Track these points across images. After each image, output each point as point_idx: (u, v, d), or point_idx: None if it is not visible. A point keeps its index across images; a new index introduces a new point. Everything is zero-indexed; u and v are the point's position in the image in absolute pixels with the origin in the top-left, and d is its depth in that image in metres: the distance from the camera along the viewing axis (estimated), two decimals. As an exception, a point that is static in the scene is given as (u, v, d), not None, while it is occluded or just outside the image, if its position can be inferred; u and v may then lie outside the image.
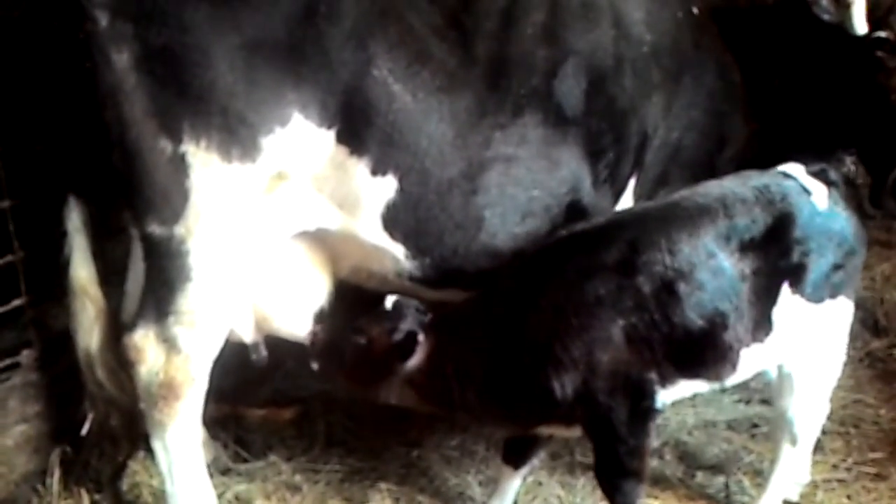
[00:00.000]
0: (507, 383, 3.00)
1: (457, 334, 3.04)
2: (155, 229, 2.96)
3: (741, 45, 3.74)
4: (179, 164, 2.88)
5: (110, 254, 3.27)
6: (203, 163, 2.89)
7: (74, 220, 3.18)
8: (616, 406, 2.91)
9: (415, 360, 2.99)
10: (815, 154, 3.45)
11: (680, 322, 2.89)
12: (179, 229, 2.95)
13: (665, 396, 3.01)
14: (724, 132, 3.74)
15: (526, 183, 3.22)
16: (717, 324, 2.93)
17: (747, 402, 4.31)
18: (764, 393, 4.21)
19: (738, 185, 3.12)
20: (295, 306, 3.34)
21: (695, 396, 3.46)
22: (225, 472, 3.76)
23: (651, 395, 2.95)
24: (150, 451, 3.30)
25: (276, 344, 3.43)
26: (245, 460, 3.86)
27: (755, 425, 4.14)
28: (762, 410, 4.20)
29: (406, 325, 3.00)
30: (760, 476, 3.71)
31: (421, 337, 2.97)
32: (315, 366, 3.20)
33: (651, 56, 3.48)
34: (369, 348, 3.02)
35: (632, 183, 3.60)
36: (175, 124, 2.84)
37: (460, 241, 3.22)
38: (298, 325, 3.35)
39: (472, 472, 3.81)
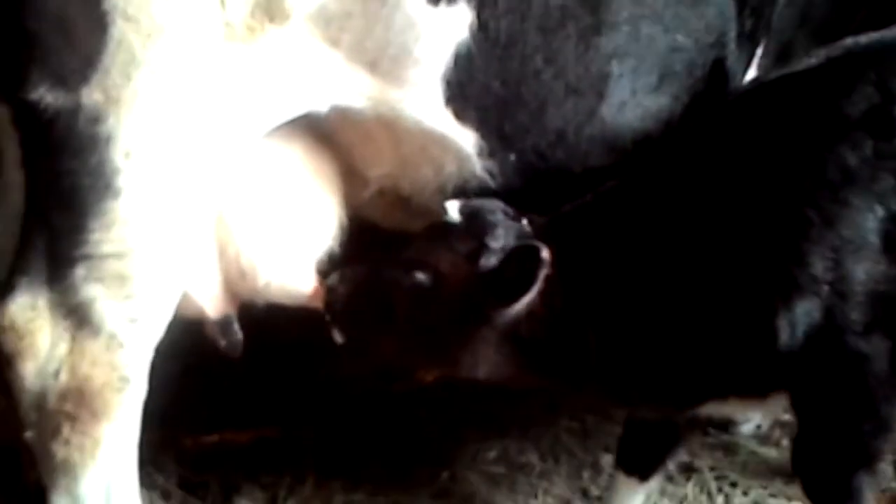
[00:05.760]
0: (686, 332, 1.89)
1: (593, 251, 1.95)
2: (45, 96, 1.69)
3: None
4: None
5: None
6: None
7: None
8: (871, 352, 1.83)
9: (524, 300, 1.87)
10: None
11: None
12: (92, 95, 1.72)
13: None
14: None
15: (667, 19, 2.15)
16: None
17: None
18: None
19: None
20: (291, 248, 2.14)
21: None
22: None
23: None
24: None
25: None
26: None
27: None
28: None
29: (497, 240, 1.87)
30: None
31: (545, 254, 1.79)
32: (339, 337, 2.04)
33: None
34: (439, 289, 1.90)
35: (758, 52, 2.62)
36: None
37: (571, 120, 2.10)
38: (297, 277, 2.14)
39: (539, 494, 2.72)
